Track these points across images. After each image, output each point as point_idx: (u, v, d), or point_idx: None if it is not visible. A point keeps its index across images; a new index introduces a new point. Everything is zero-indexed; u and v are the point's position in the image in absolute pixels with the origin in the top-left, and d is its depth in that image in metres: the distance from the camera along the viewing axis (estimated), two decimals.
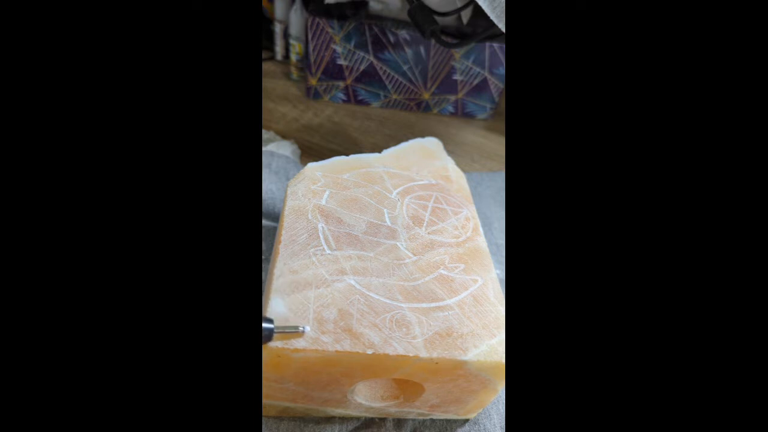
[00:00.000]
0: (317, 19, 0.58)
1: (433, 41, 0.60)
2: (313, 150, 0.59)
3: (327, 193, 0.35)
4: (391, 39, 0.60)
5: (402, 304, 0.28)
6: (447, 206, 0.37)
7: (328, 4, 0.58)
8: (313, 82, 0.65)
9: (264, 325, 0.24)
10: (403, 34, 0.60)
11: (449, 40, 0.54)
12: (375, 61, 0.62)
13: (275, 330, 0.25)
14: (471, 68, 0.63)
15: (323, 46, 0.61)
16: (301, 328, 0.25)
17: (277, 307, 0.27)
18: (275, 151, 0.54)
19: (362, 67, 0.63)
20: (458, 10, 0.47)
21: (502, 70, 0.64)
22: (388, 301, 0.28)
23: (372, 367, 0.27)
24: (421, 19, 0.46)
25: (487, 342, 0.28)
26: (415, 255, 0.32)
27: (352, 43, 0.60)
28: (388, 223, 0.34)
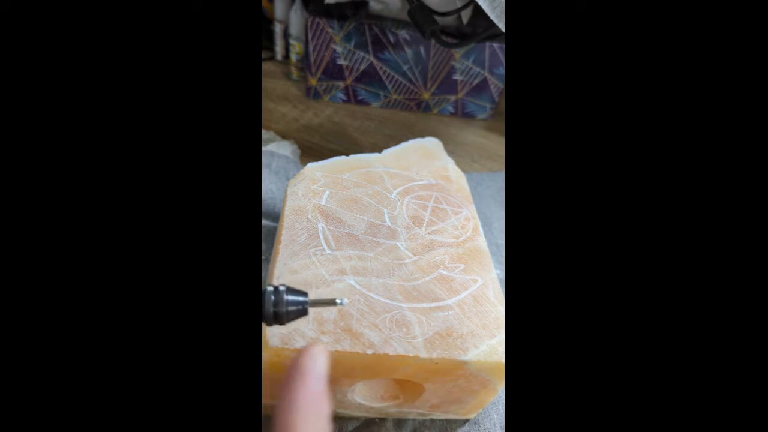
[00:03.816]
0: (317, 19, 0.58)
1: (433, 41, 0.60)
2: (313, 150, 0.59)
3: (327, 193, 0.35)
4: (391, 39, 0.60)
5: (402, 304, 0.28)
6: (447, 206, 0.37)
7: (328, 4, 0.58)
8: (313, 82, 0.65)
9: (297, 298, 0.22)
10: (403, 34, 0.60)
11: (449, 40, 0.54)
12: (375, 61, 0.62)
13: (309, 303, 0.22)
14: (471, 68, 0.63)
15: (323, 46, 0.61)
16: (338, 301, 0.22)
17: None
18: (275, 151, 0.54)
19: (362, 67, 0.63)
20: (458, 10, 0.47)
21: (502, 70, 0.64)
22: (388, 301, 0.28)
23: (372, 367, 0.27)
24: (421, 19, 0.46)
25: (487, 342, 0.28)
26: (415, 255, 0.32)
27: (352, 43, 0.60)
28: (388, 223, 0.34)
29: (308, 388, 0.18)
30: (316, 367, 0.18)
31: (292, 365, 0.19)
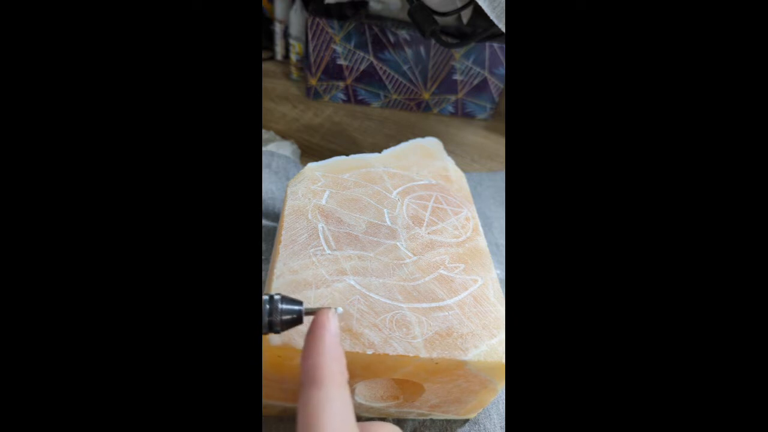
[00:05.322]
0: (317, 19, 0.58)
1: (433, 41, 0.60)
2: (313, 150, 0.59)
3: (327, 193, 0.35)
4: (391, 39, 0.60)
5: (402, 304, 0.28)
6: (447, 206, 0.37)
7: (328, 4, 0.58)
8: (313, 82, 0.65)
9: (292, 307, 0.22)
10: (403, 34, 0.60)
11: (449, 40, 0.54)
12: (375, 61, 0.62)
13: (304, 311, 0.23)
14: (471, 68, 0.63)
15: (323, 46, 0.61)
16: (333, 309, 0.23)
17: None
18: (275, 151, 0.54)
19: (362, 67, 0.63)
20: (458, 10, 0.47)
21: (502, 70, 0.64)
22: (388, 301, 0.28)
23: (372, 367, 0.27)
24: (421, 19, 0.46)
25: (487, 342, 0.28)
26: (415, 255, 0.32)
27: (352, 43, 0.60)
28: (388, 223, 0.34)
29: (327, 338, 0.21)
30: (332, 324, 0.22)
31: (313, 323, 0.22)
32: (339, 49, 0.61)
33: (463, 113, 0.69)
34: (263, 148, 0.54)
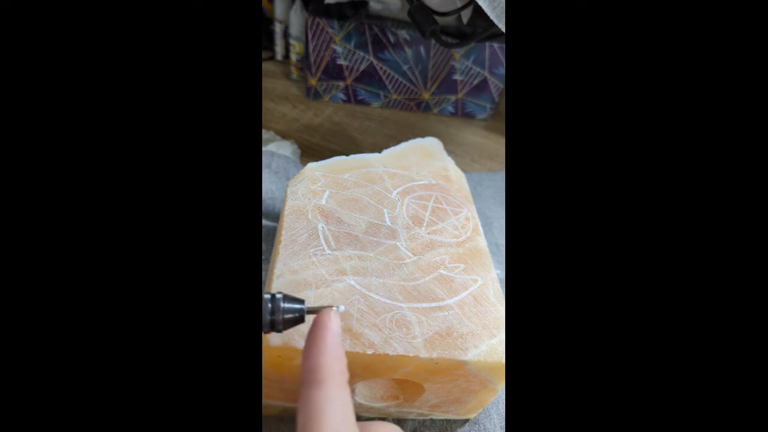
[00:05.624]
0: (317, 19, 0.58)
1: (433, 41, 0.60)
2: (313, 150, 0.59)
3: (327, 193, 0.35)
4: (391, 39, 0.60)
5: (402, 304, 0.28)
6: (447, 206, 0.37)
7: (328, 4, 0.58)
8: (313, 82, 0.65)
9: (294, 305, 0.22)
10: (403, 34, 0.60)
11: (449, 40, 0.54)
12: (375, 61, 0.62)
13: (306, 310, 0.22)
14: (471, 68, 0.63)
15: (323, 46, 0.61)
16: (335, 308, 0.23)
17: None
18: (275, 151, 0.54)
19: (362, 67, 0.63)
20: (458, 10, 0.47)
21: (502, 70, 0.64)
22: (388, 301, 0.28)
23: (372, 367, 0.27)
24: (421, 19, 0.46)
25: (487, 342, 0.28)
26: (415, 255, 0.32)
27: (352, 43, 0.60)
28: (388, 223, 0.34)
29: (329, 338, 0.21)
30: (334, 324, 0.21)
31: (314, 322, 0.22)
32: (339, 49, 0.61)
33: (463, 113, 0.69)
34: (263, 148, 0.54)
